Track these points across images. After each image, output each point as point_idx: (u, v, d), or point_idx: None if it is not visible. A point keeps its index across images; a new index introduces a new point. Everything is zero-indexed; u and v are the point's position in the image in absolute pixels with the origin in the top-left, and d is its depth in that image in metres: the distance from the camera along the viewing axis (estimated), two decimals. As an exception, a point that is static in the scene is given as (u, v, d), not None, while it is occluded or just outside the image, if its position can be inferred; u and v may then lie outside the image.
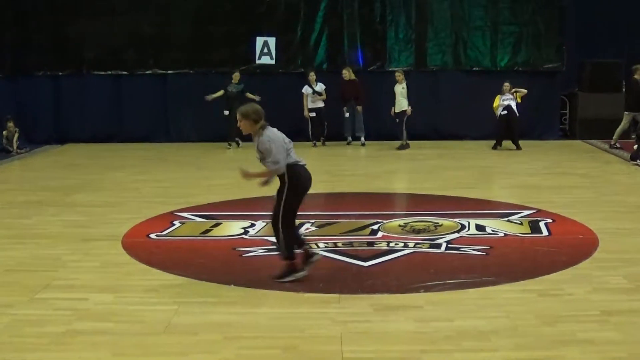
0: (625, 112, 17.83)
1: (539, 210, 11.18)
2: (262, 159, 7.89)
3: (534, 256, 8.98)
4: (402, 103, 18.34)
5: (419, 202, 12.15)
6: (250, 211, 11.46)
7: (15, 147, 18.89)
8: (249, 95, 18.57)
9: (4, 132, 19.05)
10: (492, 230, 10.07)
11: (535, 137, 19.65)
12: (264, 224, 10.50)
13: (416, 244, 9.44)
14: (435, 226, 10.34)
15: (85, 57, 20.40)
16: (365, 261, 8.68)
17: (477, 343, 6.25)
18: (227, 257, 9.03)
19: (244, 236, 9.94)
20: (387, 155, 17.64)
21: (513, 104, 18.09)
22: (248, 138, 18.14)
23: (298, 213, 8.00)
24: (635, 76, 17.52)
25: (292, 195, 7.93)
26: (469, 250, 9.12)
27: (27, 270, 8.42)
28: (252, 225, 10.45)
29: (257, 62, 19.52)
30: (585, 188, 13.29)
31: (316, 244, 9.42)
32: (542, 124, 20.23)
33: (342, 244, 9.44)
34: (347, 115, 19.22)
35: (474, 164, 16.31)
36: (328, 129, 19.48)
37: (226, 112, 18.67)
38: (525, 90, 18.33)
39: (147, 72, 20.46)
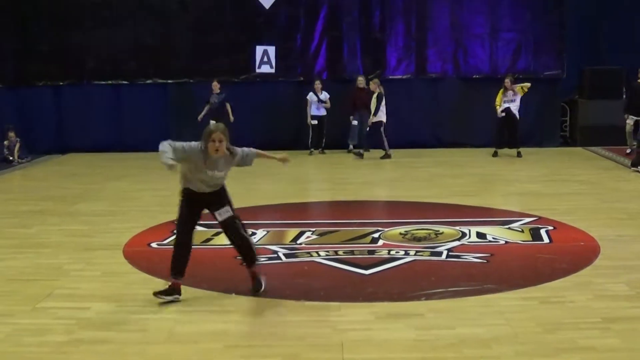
0: (626, 115, 17.91)
1: (539, 218, 11.18)
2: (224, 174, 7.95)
3: (535, 263, 8.99)
4: (379, 113, 18.31)
5: (420, 210, 12.15)
6: (251, 220, 11.45)
7: (16, 156, 18.90)
8: (229, 109, 18.63)
9: (5, 142, 19.07)
10: (493, 238, 10.07)
11: (535, 145, 19.64)
12: (265, 232, 10.53)
13: (417, 251, 9.44)
14: (436, 234, 10.34)
15: (86, 67, 20.43)
16: (366, 269, 8.69)
17: (478, 350, 6.26)
18: (228, 266, 9.01)
19: (244, 245, 9.91)
20: (387, 163, 17.66)
21: (513, 107, 18.02)
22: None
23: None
24: None
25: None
26: (470, 258, 9.12)
27: (28, 279, 8.42)
28: (253, 233, 10.42)
29: (257, 70, 19.59)
30: (586, 195, 13.29)
31: (317, 252, 9.45)
32: (542, 131, 20.22)
33: (343, 252, 9.44)
34: (354, 123, 19.13)
35: (474, 171, 16.32)
36: (328, 137, 19.47)
37: (212, 122, 18.70)
38: (529, 84, 18.25)
39: (148, 81, 20.48)
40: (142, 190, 14.44)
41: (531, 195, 13.35)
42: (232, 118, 18.52)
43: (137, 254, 9.54)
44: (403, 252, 9.39)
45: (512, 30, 20.10)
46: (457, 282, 8.17)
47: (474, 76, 20.24)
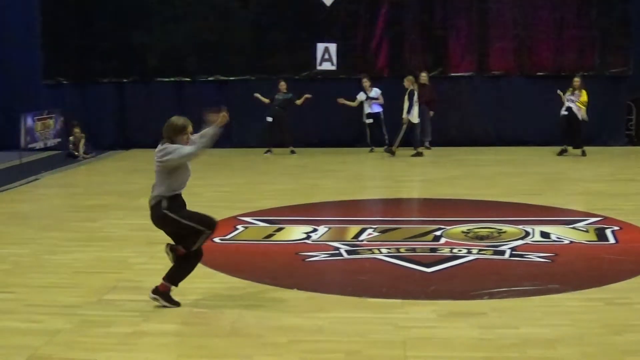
0: None
1: (605, 218, 11.01)
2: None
3: (600, 264, 8.86)
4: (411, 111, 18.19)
5: (482, 208, 12.04)
6: (312, 216, 11.52)
7: (81, 152, 19.19)
8: (298, 102, 18.72)
9: (71, 138, 19.38)
10: (557, 238, 9.94)
11: (600, 144, 19.28)
12: (327, 229, 10.54)
13: (480, 250, 9.37)
14: (499, 233, 10.24)
15: (148, 64, 20.68)
16: (428, 267, 8.65)
17: (542, 351, 6.19)
18: (290, 262, 9.07)
19: (306, 241, 9.97)
20: (449, 161, 17.52)
21: (574, 107, 17.76)
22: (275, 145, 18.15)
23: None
24: None
25: None
26: (534, 257, 9.02)
27: (94, 272, 8.56)
28: (315, 230, 10.47)
29: (318, 68, 19.61)
30: (653, 195, 13.06)
31: (379, 249, 9.44)
32: (607, 130, 19.84)
33: (405, 250, 9.41)
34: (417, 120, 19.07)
35: (538, 170, 16.12)
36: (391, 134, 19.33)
37: (269, 119, 18.86)
38: (585, 102, 17.91)
39: (210, 78, 20.66)
40: (203, 186, 14.52)
41: (596, 195, 13.15)
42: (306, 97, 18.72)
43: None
44: (465, 251, 9.32)
45: (576, 26, 19.75)
46: (520, 281, 8.09)
47: (538, 73, 19.95)
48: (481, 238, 9.96)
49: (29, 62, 20.68)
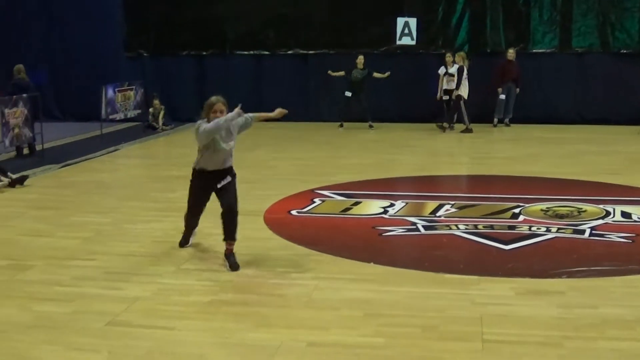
0: None
1: (689, 198, 10.75)
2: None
3: (684, 245, 8.65)
4: (460, 87, 18.10)
5: (562, 186, 11.85)
6: (390, 191, 11.49)
7: (160, 123, 19.47)
8: (377, 74, 18.64)
9: (150, 109, 19.67)
10: (639, 218, 9.73)
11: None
12: (404, 204, 10.51)
13: (559, 229, 9.22)
14: (579, 212, 10.07)
15: (228, 37, 20.83)
16: (506, 244, 8.55)
17: (621, 332, 6.08)
18: (367, 236, 9.06)
19: (383, 215, 9.94)
20: (530, 139, 17.26)
21: None
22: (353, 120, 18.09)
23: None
24: None
25: None
26: (614, 237, 8.85)
27: (172, 241, 8.67)
28: (392, 205, 10.44)
29: (398, 42, 19.44)
30: None
31: (456, 225, 9.37)
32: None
33: (483, 227, 9.32)
34: (502, 97, 18.86)
35: (620, 149, 15.78)
36: (476, 110, 18.99)
37: (348, 94, 18.84)
38: None
39: (289, 52, 20.71)
40: (280, 159, 14.63)
41: (680, 176, 12.82)
42: (385, 75, 18.71)
43: (277, 221, 9.69)
44: (544, 229, 9.19)
45: (664, 3, 19.23)
46: (600, 261, 7.95)
47: (622, 51, 19.48)
48: (561, 216, 9.81)
49: (111, 35, 21.03)
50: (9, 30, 21.29)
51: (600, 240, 8.79)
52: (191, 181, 8.18)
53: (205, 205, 8.20)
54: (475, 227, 9.31)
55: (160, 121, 19.50)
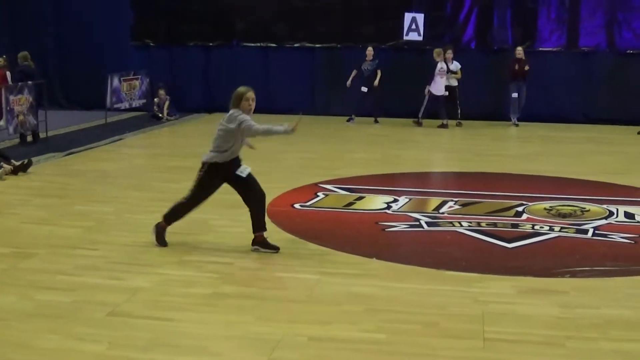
0: None
1: (693, 200, 10.72)
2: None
3: (687, 247, 8.64)
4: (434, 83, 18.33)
5: (566, 186, 11.82)
6: (394, 186, 11.47)
7: (165, 114, 19.45)
8: (379, 76, 18.64)
9: (155, 99, 19.66)
10: (642, 219, 9.73)
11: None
12: (407, 199, 10.50)
13: (562, 228, 9.21)
14: (582, 211, 10.06)
15: (235, 29, 20.81)
16: (509, 242, 8.55)
17: (624, 333, 6.08)
18: (370, 231, 9.06)
19: (387, 211, 9.94)
20: (534, 137, 17.23)
21: None
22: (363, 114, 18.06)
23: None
24: None
25: None
26: (617, 237, 8.84)
27: (175, 232, 8.65)
28: (395, 200, 10.44)
29: (405, 38, 19.42)
30: None
31: (459, 222, 9.36)
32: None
33: (486, 224, 9.32)
34: (514, 95, 18.75)
35: (624, 149, 15.75)
36: (480, 108, 19.08)
37: (364, 89, 18.79)
38: None
39: (296, 44, 20.68)
40: (286, 152, 14.60)
41: (684, 177, 12.79)
42: (376, 83, 18.60)
43: (280, 214, 9.68)
44: (547, 228, 9.18)
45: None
46: (603, 261, 7.95)
47: (629, 51, 19.42)
48: (564, 216, 9.80)
49: (118, 24, 21.02)
50: (16, 19, 21.28)
51: (603, 241, 8.78)
52: (205, 175, 8.16)
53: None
54: (479, 224, 9.31)
55: (165, 111, 19.48)
